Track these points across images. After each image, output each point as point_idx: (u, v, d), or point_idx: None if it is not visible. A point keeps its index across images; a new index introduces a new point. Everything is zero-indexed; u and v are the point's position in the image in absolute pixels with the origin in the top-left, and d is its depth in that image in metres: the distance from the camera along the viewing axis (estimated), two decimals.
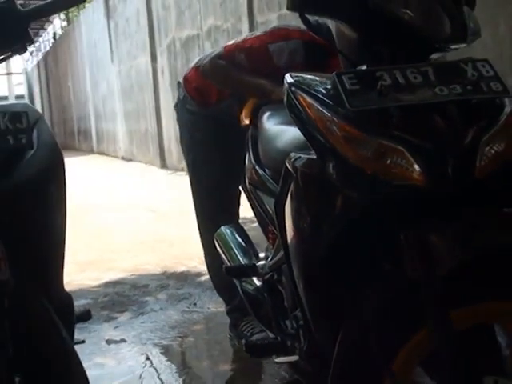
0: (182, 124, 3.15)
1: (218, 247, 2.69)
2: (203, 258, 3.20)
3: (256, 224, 2.54)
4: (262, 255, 2.50)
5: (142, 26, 12.24)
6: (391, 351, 1.48)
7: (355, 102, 1.41)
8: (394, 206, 1.43)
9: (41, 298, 1.65)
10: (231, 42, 2.80)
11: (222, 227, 2.73)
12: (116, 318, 3.68)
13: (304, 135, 1.54)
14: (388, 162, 1.40)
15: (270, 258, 2.33)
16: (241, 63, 2.69)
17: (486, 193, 1.44)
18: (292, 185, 1.58)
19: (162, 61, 11.57)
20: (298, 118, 1.55)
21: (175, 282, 4.29)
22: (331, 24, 1.70)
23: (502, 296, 1.44)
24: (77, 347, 1.80)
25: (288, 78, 1.61)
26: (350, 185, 1.44)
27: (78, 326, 1.93)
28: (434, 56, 1.59)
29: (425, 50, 1.59)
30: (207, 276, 3.33)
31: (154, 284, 4.29)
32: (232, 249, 2.62)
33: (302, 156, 1.56)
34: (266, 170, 2.25)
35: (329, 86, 1.51)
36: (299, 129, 1.55)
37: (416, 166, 1.38)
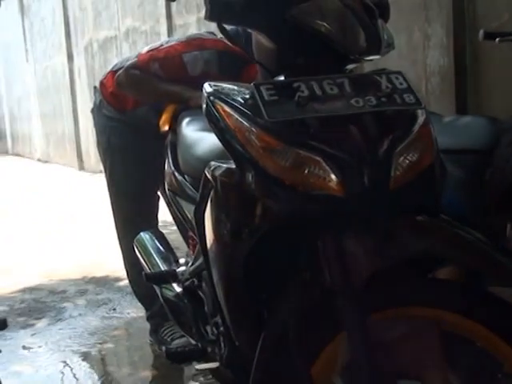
0: (98, 129, 3.13)
1: (137, 253, 2.67)
2: (122, 262, 3.19)
3: (176, 228, 2.55)
4: (182, 261, 2.50)
5: (57, 25, 12.02)
6: (310, 355, 1.51)
7: (273, 113, 1.43)
8: (311, 216, 1.46)
9: None
10: (145, 50, 2.80)
11: (142, 233, 2.72)
12: (33, 324, 3.62)
13: (223, 144, 1.56)
14: (306, 172, 1.43)
15: (190, 264, 2.34)
16: (156, 73, 2.70)
17: (401, 202, 1.48)
18: (211, 193, 1.60)
19: (79, 61, 11.38)
20: (216, 127, 1.56)
21: (94, 287, 4.25)
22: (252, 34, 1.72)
23: (414, 302, 1.49)
24: None
25: (207, 87, 1.62)
26: (268, 195, 1.46)
27: None
28: (350, 67, 1.63)
29: (340, 62, 1.63)
30: (127, 280, 3.31)
31: (73, 289, 4.24)
32: (151, 255, 2.61)
33: (222, 165, 1.58)
34: (186, 176, 2.26)
35: (247, 96, 1.52)
36: (218, 138, 1.56)
37: (333, 176, 1.41)
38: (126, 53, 9.11)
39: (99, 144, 3.14)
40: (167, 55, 2.71)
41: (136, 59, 2.77)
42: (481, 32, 2.69)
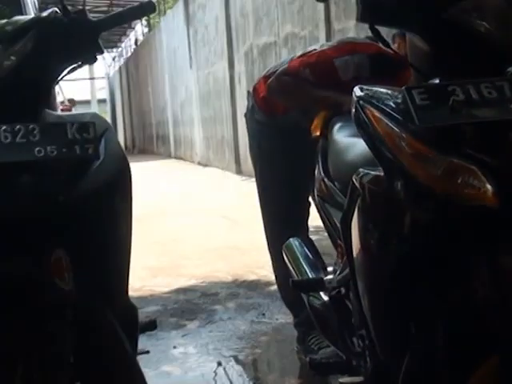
0: (250, 133, 3.16)
1: (286, 259, 2.65)
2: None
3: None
4: (330, 269, 2.45)
5: (220, 32, 12.35)
6: (459, 379, 1.41)
7: (425, 118, 1.35)
8: (464, 228, 1.36)
9: (105, 310, 1.65)
10: (296, 57, 2.79)
11: (291, 239, 2.69)
12: (184, 325, 3.68)
13: (371, 150, 1.49)
14: (459, 181, 1.33)
15: (337, 273, 2.28)
16: (307, 78, 2.68)
17: None
18: (359, 201, 1.54)
19: (240, 67, 11.62)
20: (365, 132, 1.50)
21: (245, 291, 4.28)
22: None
23: None
24: (144, 355, 1.80)
25: (357, 91, 1.56)
26: (418, 204, 1.38)
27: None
28: (510, 69, 1.51)
29: (500, 63, 1.52)
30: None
31: (224, 292, 4.29)
32: (300, 262, 2.58)
33: (370, 172, 1.52)
34: (335, 182, 2.21)
35: (399, 101, 1.45)
36: (366, 143, 1.50)
37: (489, 187, 1.31)
38: (279, 61, 9.19)
39: (251, 148, 3.18)
40: (318, 60, 2.68)
41: (287, 65, 2.76)
42: None
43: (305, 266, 2.55)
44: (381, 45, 2.86)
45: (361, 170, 1.56)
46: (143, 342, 1.90)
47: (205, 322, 3.70)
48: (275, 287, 3.81)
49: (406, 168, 1.38)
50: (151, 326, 2.14)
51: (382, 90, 1.56)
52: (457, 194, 1.33)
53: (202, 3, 13.92)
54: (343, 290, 2.20)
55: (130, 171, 1.84)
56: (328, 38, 7.78)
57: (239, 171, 11.94)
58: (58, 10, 1.71)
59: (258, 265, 4.73)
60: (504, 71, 1.52)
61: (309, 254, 2.61)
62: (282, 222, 3.01)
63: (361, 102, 1.52)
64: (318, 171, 2.37)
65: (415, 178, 1.37)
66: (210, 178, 12.15)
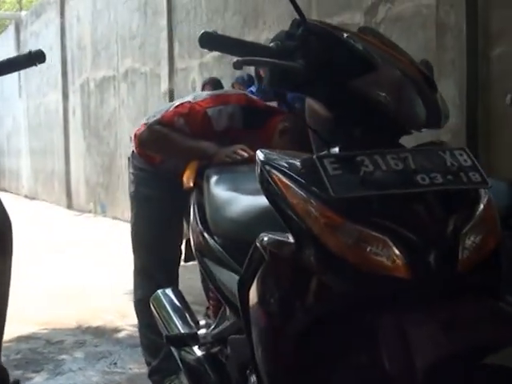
0: (130, 177, 3.14)
1: (154, 311, 2.58)
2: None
3: None
4: (202, 322, 2.41)
5: (54, 63, 11.99)
6: None
7: (339, 189, 1.36)
8: (374, 296, 1.38)
9: None
10: (171, 107, 2.78)
11: (159, 291, 2.63)
12: (31, 378, 3.48)
13: (279, 215, 1.48)
14: (370, 250, 1.35)
15: (212, 327, 2.25)
16: (181, 128, 2.68)
17: (466, 284, 1.41)
18: (263, 266, 1.51)
19: (75, 100, 11.35)
20: (272, 197, 1.49)
21: (92, 338, 4.12)
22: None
23: None
24: None
25: (260, 155, 1.55)
26: (329, 272, 1.38)
27: None
28: (402, 138, 1.57)
29: (395, 133, 1.58)
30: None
31: (71, 340, 4.10)
32: (170, 315, 2.52)
33: (276, 237, 1.50)
34: (215, 237, 2.17)
35: (308, 169, 1.45)
36: (274, 209, 1.49)
37: (399, 257, 1.34)
38: (123, 93, 9.09)
39: (129, 191, 3.15)
40: (191, 111, 2.68)
41: (160, 116, 2.73)
42: (508, 96, 2.67)
43: (175, 320, 2.50)
44: (250, 96, 2.92)
45: (263, 234, 1.54)
46: None
47: (53, 374, 3.51)
48: (124, 333, 3.71)
49: (317, 236, 1.38)
50: None
51: (285, 155, 1.56)
52: (368, 263, 1.35)
53: (34, 31, 13.49)
54: (218, 346, 2.18)
55: (11, 227, 1.72)
56: (171, 75, 7.80)
57: (70, 206, 11.60)
58: None
59: (103, 309, 4.58)
60: (397, 139, 1.59)
61: (179, 306, 2.56)
62: (153, 268, 2.99)
63: (266, 166, 1.51)
64: (195, 223, 2.32)
65: (326, 246, 1.38)
66: (38, 211, 11.68)
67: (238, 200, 2.10)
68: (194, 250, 2.32)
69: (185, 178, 2.57)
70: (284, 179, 1.47)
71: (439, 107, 1.56)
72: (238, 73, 5.42)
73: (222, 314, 2.22)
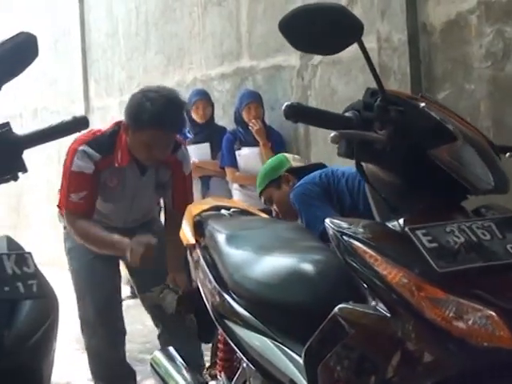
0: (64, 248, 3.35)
1: (155, 373, 2.52)
2: None
3: None
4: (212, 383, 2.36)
5: None
6: None
7: (441, 263, 1.37)
8: (481, 369, 1.38)
9: None
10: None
11: (156, 352, 2.59)
12: None
13: (367, 286, 1.47)
14: (474, 323, 1.36)
15: None
16: (79, 201, 2.98)
17: None
18: (346, 339, 1.48)
19: None
20: (357, 269, 1.48)
21: None
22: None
23: None
24: None
25: (331, 225, 1.54)
26: (435, 346, 1.38)
27: None
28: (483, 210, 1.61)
29: (461, 198, 1.61)
30: None
31: None
32: (172, 376, 2.46)
33: (361, 309, 1.48)
34: (238, 298, 2.12)
35: (396, 240, 1.45)
36: (361, 280, 1.47)
37: (506, 328, 1.35)
38: None
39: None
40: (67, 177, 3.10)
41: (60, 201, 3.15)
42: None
43: (179, 381, 2.44)
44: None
45: (343, 305, 1.51)
46: None
47: None
48: None
49: (419, 309, 1.38)
50: None
51: (354, 222, 1.56)
52: (474, 336, 1.35)
53: None
54: None
55: (58, 306, 1.64)
56: (87, 114, 7.63)
57: None
58: None
59: None
60: (460, 203, 1.62)
61: (181, 366, 2.51)
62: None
63: (344, 237, 1.50)
64: (208, 283, 2.26)
65: (429, 319, 1.37)
66: None
67: (259, 260, 2.08)
68: (210, 311, 2.25)
69: (183, 235, 2.52)
70: (370, 251, 1.46)
71: (505, 173, 1.61)
72: None
73: (241, 374, 2.18)
